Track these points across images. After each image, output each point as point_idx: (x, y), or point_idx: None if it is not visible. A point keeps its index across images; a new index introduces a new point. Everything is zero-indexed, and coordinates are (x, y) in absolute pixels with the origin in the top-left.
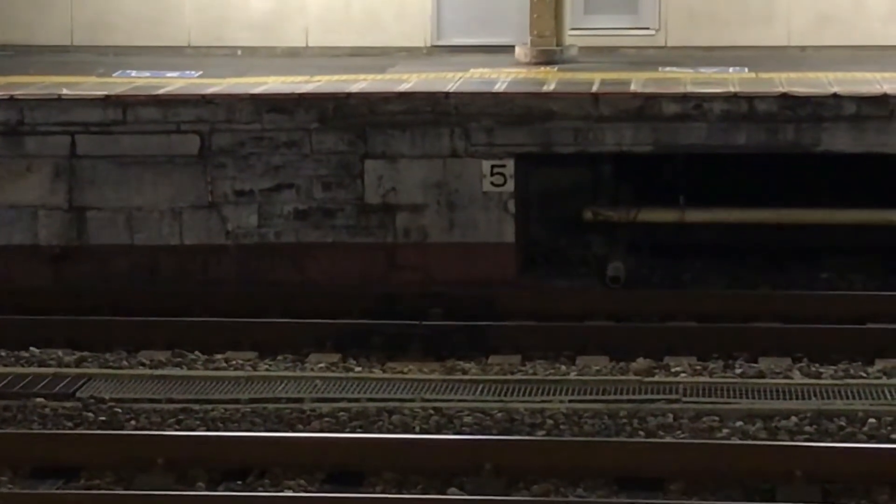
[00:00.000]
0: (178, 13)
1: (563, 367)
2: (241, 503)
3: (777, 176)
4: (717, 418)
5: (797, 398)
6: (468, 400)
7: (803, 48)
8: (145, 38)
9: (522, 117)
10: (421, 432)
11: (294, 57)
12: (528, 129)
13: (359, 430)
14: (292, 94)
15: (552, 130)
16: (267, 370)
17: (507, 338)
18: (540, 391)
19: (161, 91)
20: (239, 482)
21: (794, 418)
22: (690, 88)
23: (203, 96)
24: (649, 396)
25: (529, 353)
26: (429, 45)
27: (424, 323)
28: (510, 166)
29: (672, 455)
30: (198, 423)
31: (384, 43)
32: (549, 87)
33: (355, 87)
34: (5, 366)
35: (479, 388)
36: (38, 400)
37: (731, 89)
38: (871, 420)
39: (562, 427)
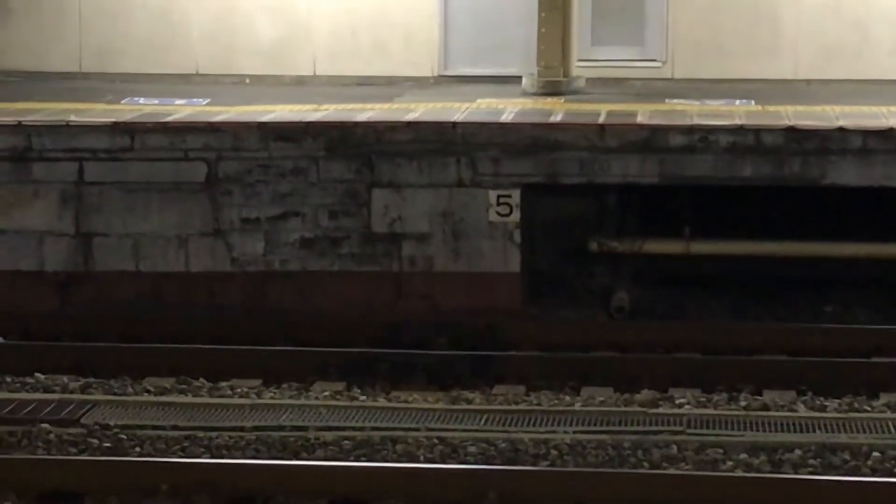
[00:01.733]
0: (187, 41)
1: (568, 398)
2: None
3: (783, 208)
4: (721, 450)
5: (801, 431)
6: (473, 430)
7: (809, 81)
8: (154, 65)
9: (529, 147)
10: (425, 461)
11: (301, 85)
12: (535, 159)
13: (363, 458)
14: (299, 122)
15: (558, 161)
16: (272, 398)
17: (512, 368)
18: (544, 421)
19: (169, 118)
20: None
21: (798, 451)
22: (697, 120)
23: (210, 124)
24: (654, 428)
25: (534, 384)
26: (436, 74)
27: (429, 352)
28: (516, 196)
29: (676, 487)
30: (202, 450)
31: (391, 72)
32: (556, 117)
33: (362, 116)
34: (11, 391)
35: (484, 418)
36: (43, 425)
37: (738, 122)
38: (875, 454)
39: (566, 458)
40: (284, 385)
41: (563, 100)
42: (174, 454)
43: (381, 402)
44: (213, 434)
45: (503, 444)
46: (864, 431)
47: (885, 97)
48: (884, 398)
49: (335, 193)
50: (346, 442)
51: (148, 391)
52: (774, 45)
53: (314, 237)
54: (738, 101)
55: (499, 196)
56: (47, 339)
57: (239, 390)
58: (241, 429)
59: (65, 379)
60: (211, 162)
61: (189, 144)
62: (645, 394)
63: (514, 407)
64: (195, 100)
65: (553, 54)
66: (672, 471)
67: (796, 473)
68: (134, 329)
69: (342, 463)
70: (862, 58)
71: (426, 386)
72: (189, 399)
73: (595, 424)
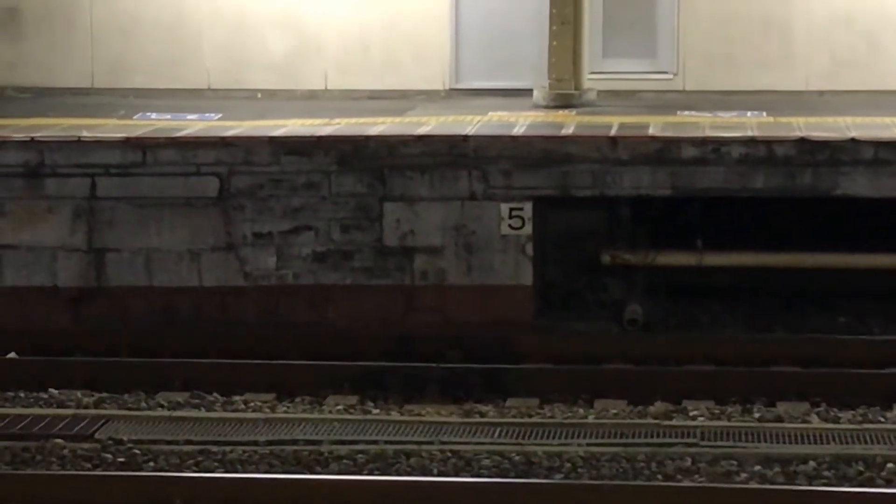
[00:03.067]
0: (198, 56)
1: (581, 411)
2: None
3: (795, 220)
4: (735, 462)
5: (815, 442)
6: (486, 443)
7: (821, 92)
8: (165, 80)
9: (541, 160)
10: (439, 475)
11: (313, 99)
12: (547, 172)
13: (377, 472)
14: (311, 136)
15: (570, 173)
16: (285, 412)
17: (525, 380)
18: (558, 434)
19: (180, 133)
20: None
21: (812, 463)
22: (709, 132)
23: (222, 139)
24: (667, 440)
25: (547, 396)
26: (447, 88)
27: (442, 365)
28: (528, 209)
29: (690, 499)
30: (216, 464)
31: (403, 86)
32: (568, 130)
33: (374, 130)
34: (24, 407)
35: (497, 431)
36: (57, 441)
37: (749, 133)
38: (890, 465)
39: (580, 470)
40: (298, 399)
41: (574, 112)
42: (188, 469)
43: (395, 415)
44: (227, 448)
45: (517, 458)
46: (879, 442)
47: None
48: None
49: (347, 207)
50: (360, 456)
51: (161, 406)
52: (786, 57)
53: (326, 251)
54: (749, 113)
55: (511, 209)
56: (60, 354)
57: (252, 404)
58: (255, 443)
59: (78, 394)
60: (223, 177)
61: (201, 159)
62: (658, 406)
63: (527, 420)
64: (207, 114)
65: (564, 67)
66: (686, 483)
67: (810, 485)
68: (147, 344)
69: (356, 477)
70: (874, 69)
71: (439, 399)
72: (202, 413)
73: (608, 437)
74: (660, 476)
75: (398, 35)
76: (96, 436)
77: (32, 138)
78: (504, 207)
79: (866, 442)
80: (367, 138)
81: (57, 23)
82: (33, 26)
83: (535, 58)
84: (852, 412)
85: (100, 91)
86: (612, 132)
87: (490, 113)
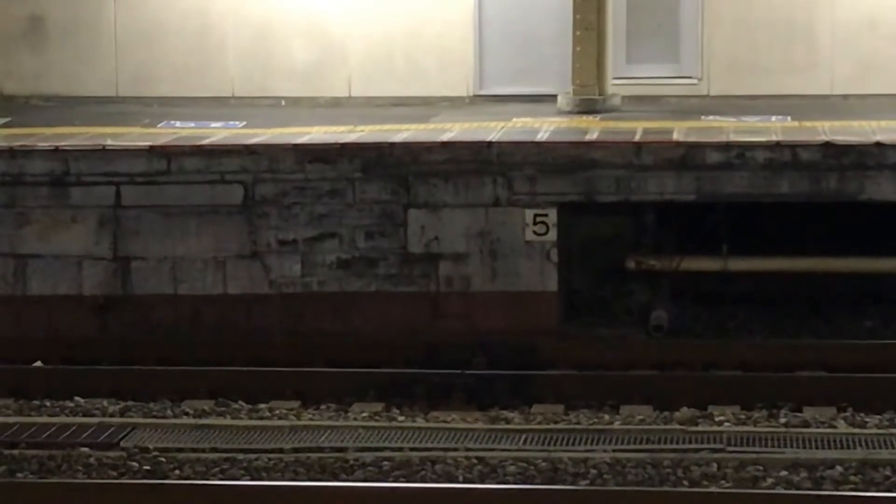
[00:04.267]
0: (222, 64)
1: (607, 417)
2: None
3: (820, 224)
4: (761, 468)
5: (842, 447)
6: (512, 449)
7: (846, 97)
8: (189, 88)
9: (565, 166)
10: (464, 482)
11: (337, 107)
12: (571, 177)
13: (402, 479)
14: (335, 143)
15: (595, 179)
16: (310, 419)
17: (551, 387)
18: (583, 440)
19: (205, 141)
20: None
21: (838, 468)
22: (733, 137)
23: (246, 146)
24: (693, 446)
25: (573, 403)
26: (471, 94)
27: (467, 372)
28: (553, 215)
29: None
30: (241, 472)
31: (427, 93)
32: (592, 136)
33: (398, 137)
34: (50, 415)
35: (523, 438)
36: (83, 449)
37: (774, 138)
38: None
39: (605, 477)
40: (323, 406)
41: (598, 118)
42: (214, 477)
43: (420, 422)
44: (253, 456)
45: (542, 464)
46: None
47: None
48: None
49: (371, 214)
50: (385, 463)
51: (187, 414)
52: (810, 61)
53: (351, 258)
54: (774, 118)
55: (535, 215)
56: (86, 362)
57: (278, 412)
58: (281, 450)
59: (104, 402)
60: (247, 184)
61: (225, 167)
62: (684, 412)
63: (553, 426)
64: (231, 123)
65: (588, 73)
66: (712, 489)
67: (837, 490)
68: (172, 352)
69: (381, 484)
70: None
71: (465, 406)
72: (228, 421)
73: (634, 443)
74: (686, 482)
75: (422, 42)
76: (122, 444)
77: (57, 147)
78: (528, 213)
79: (893, 447)
80: (392, 145)
81: (81, 32)
82: (58, 36)
83: (558, 63)
84: (879, 417)
85: (124, 100)
86: (637, 137)
87: (514, 119)
